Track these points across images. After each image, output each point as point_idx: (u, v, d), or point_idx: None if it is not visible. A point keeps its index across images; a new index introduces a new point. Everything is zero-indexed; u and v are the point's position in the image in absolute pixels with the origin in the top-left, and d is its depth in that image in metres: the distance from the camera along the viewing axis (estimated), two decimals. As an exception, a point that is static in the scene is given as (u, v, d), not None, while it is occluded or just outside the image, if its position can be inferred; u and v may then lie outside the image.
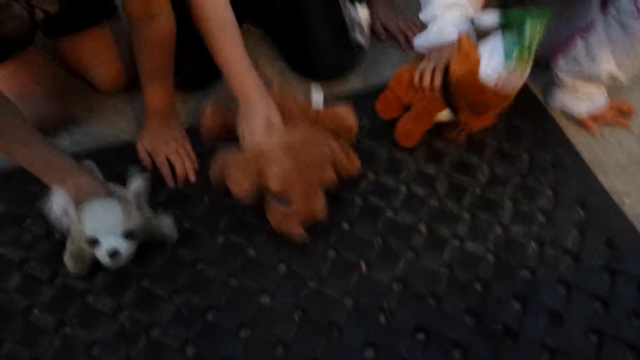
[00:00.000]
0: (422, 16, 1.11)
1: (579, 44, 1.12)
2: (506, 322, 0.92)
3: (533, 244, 1.02)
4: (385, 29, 1.43)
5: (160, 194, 1.08)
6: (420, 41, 1.10)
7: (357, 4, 1.30)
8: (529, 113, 1.25)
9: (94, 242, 0.87)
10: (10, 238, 1.02)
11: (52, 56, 1.29)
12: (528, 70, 0.92)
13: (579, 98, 1.22)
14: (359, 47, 1.24)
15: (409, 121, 1.13)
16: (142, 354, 0.88)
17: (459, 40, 0.96)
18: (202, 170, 1.11)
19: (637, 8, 0.99)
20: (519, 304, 0.94)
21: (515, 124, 1.22)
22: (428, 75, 1.03)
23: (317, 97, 1.04)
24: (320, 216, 0.99)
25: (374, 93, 1.27)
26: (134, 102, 1.27)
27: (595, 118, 1.24)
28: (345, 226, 1.04)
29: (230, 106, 1.06)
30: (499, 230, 1.05)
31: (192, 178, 1.11)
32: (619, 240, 1.02)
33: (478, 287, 0.97)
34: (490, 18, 0.94)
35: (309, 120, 1.05)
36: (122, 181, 1.08)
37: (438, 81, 1.02)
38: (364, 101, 1.21)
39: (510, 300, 0.95)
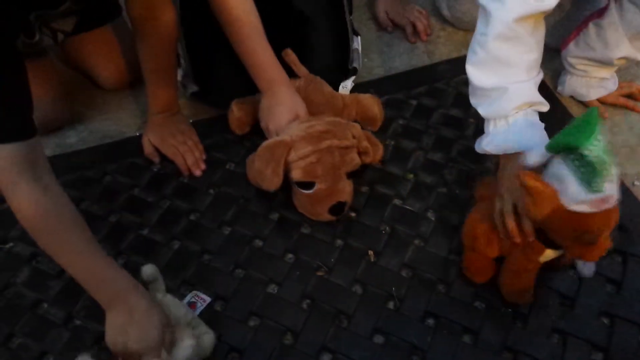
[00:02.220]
0: (482, 111, 0.91)
1: (591, 29, 1.11)
2: (516, 307, 0.90)
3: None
4: (392, 21, 1.42)
5: (167, 187, 1.09)
6: (485, 145, 0.92)
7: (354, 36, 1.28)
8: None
9: None
10: (19, 234, 1.02)
11: (57, 55, 1.30)
12: (616, 176, 0.73)
13: (590, 83, 1.21)
14: (354, 69, 1.24)
15: (513, 277, 0.90)
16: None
17: (523, 181, 0.75)
18: (208, 163, 1.12)
19: None
20: (529, 288, 0.93)
21: (523, 110, 1.21)
22: (512, 224, 0.83)
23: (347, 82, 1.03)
24: (346, 200, 0.99)
25: (379, 84, 1.27)
26: (138, 99, 1.28)
27: (605, 102, 1.23)
28: (353, 215, 1.04)
29: (257, 98, 1.07)
30: (507, 216, 1.03)
31: (202, 166, 1.11)
32: (630, 223, 1.00)
33: (487, 272, 0.95)
34: (537, 156, 0.80)
35: (334, 111, 1.06)
36: (133, 174, 1.10)
37: (528, 227, 0.81)
38: (370, 92, 1.21)
39: (520, 285, 0.93)
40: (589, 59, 1.15)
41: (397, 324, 0.90)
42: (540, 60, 0.90)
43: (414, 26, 1.39)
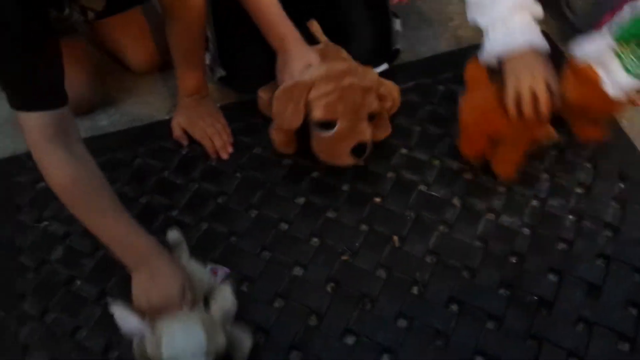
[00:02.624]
0: (483, 22, 0.98)
1: (626, 10, 1.08)
2: (541, 294, 0.90)
3: (571, 218, 1.00)
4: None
5: (195, 170, 1.10)
6: (487, 52, 0.97)
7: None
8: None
9: None
10: (54, 213, 1.05)
11: (89, 38, 1.33)
12: None
13: None
14: (397, 50, 1.23)
15: (509, 154, 0.99)
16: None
17: (571, 62, 0.89)
18: (235, 146, 1.13)
19: None
20: (555, 276, 0.93)
21: (553, 97, 1.19)
22: (530, 104, 0.89)
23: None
24: (368, 142, 0.98)
25: (406, 68, 1.26)
26: (168, 82, 1.30)
27: (638, 90, 1.20)
28: (378, 200, 1.04)
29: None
30: (535, 203, 1.03)
31: (230, 149, 1.13)
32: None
33: (513, 259, 0.95)
34: (599, 44, 0.88)
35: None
36: (162, 157, 1.11)
37: (547, 107, 0.89)
38: (398, 74, 1.20)
39: (545, 273, 0.93)
40: (623, 44, 1.12)
41: (420, 309, 0.90)
42: None
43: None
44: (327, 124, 0.96)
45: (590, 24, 1.20)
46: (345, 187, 1.06)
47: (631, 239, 0.96)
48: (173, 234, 0.92)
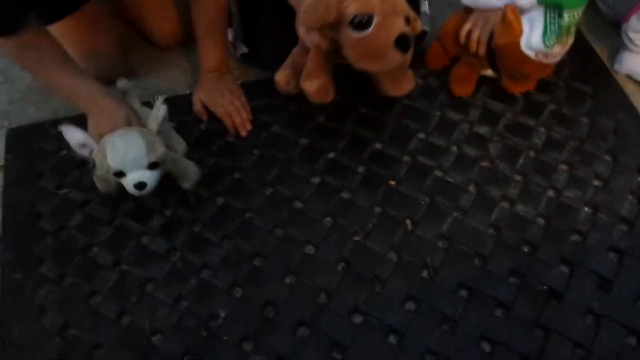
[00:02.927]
0: None
1: None
2: (552, 284, 0.90)
3: (586, 209, 1.00)
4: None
5: (213, 145, 1.12)
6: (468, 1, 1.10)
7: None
8: (592, 76, 1.20)
9: (119, 174, 0.90)
10: (73, 181, 1.07)
11: (113, 11, 1.34)
12: (567, 46, 1.01)
13: None
14: (424, 32, 1.22)
15: (460, 69, 1.16)
16: (192, 292, 0.93)
17: (505, 11, 0.99)
18: (254, 124, 1.14)
19: None
20: (567, 267, 0.93)
21: (577, 87, 1.18)
22: (474, 42, 1.07)
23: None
24: (409, 34, 0.93)
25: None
26: (190, 57, 1.31)
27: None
28: (392, 183, 1.04)
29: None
30: (551, 194, 1.02)
31: (249, 126, 1.13)
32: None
33: (525, 249, 0.95)
34: (527, 1, 0.98)
35: None
36: (182, 131, 1.13)
37: (482, 49, 1.07)
38: (416, 61, 1.19)
39: (557, 263, 0.93)
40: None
41: (429, 293, 0.91)
42: None
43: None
44: (364, 24, 0.91)
45: (619, 13, 1.18)
46: (360, 169, 1.07)
47: (646, 235, 0.96)
48: (122, 82, 1.04)
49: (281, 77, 1.12)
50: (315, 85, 1.06)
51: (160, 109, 0.93)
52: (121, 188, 0.94)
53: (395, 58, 0.93)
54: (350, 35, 0.93)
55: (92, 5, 1.24)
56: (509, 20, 0.99)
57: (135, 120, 0.95)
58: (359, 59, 0.95)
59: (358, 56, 0.95)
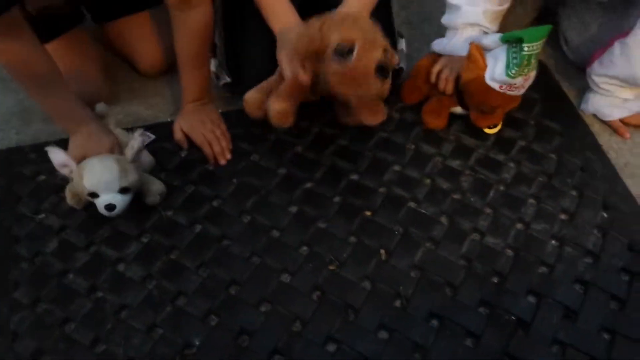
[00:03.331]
0: (444, 20, 1.19)
1: (616, 47, 1.13)
2: (519, 314, 0.93)
3: (553, 242, 1.03)
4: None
5: (193, 172, 1.13)
6: (437, 46, 1.20)
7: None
8: (561, 115, 1.25)
9: (93, 195, 0.98)
10: (51, 206, 1.08)
11: (99, 40, 1.37)
12: (530, 79, 1.07)
13: (614, 103, 1.22)
14: (401, 68, 1.27)
15: (432, 104, 1.22)
16: (167, 320, 0.93)
17: (470, 48, 1.07)
18: (233, 152, 1.16)
19: None
20: (534, 298, 0.96)
21: (546, 125, 1.23)
22: (443, 81, 1.16)
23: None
24: (388, 63, 1.00)
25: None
26: (173, 86, 1.33)
27: (629, 124, 1.24)
28: (368, 214, 1.07)
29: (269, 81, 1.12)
30: (520, 226, 1.06)
31: (228, 155, 1.15)
32: (645, 246, 1.02)
33: (495, 279, 0.98)
34: (492, 38, 1.05)
35: None
36: (162, 158, 1.14)
37: (450, 88, 1.15)
38: (393, 96, 1.23)
39: (525, 294, 0.96)
40: (613, 78, 1.16)
41: (402, 322, 0.93)
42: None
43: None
44: (346, 52, 0.97)
45: (583, 58, 1.25)
46: (337, 199, 1.09)
47: (610, 267, 0.99)
48: (100, 106, 1.10)
49: (251, 98, 1.14)
50: (280, 107, 1.09)
51: (136, 140, 1.00)
52: (89, 205, 1.03)
53: (376, 84, 1.00)
54: (333, 63, 0.98)
55: (78, 30, 1.27)
56: (474, 56, 1.06)
57: (117, 150, 1.02)
58: (341, 86, 1.00)
59: (340, 83, 1.00)
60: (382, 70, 0.99)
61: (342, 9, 1.10)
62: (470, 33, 1.15)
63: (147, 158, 1.11)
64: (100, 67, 1.29)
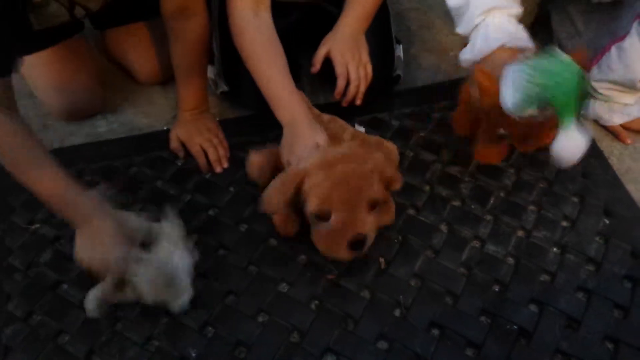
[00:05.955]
0: (461, 30, 1.05)
1: (613, 51, 1.12)
2: (521, 324, 0.91)
3: (555, 250, 1.02)
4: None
5: (189, 182, 1.12)
6: (466, 55, 1.04)
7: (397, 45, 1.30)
8: (560, 121, 1.24)
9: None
10: (45, 217, 1.07)
11: (98, 46, 1.36)
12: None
13: (613, 108, 1.21)
14: (398, 76, 1.26)
15: (483, 136, 1.08)
16: (164, 332, 0.91)
17: (475, 76, 0.96)
18: (231, 161, 1.15)
19: None
20: (536, 306, 0.94)
21: (545, 131, 1.22)
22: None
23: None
24: (367, 233, 0.92)
25: (404, 95, 1.29)
26: (169, 94, 1.32)
27: (630, 129, 1.23)
28: (367, 222, 1.06)
29: (274, 148, 1.03)
30: (521, 234, 1.04)
31: (225, 165, 1.14)
32: (648, 253, 1.01)
33: (496, 288, 0.97)
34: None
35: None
36: (158, 167, 1.13)
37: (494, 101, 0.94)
38: (391, 102, 1.23)
39: (527, 303, 0.94)
40: (612, 82, 1.15)
41: (402, 332, 0.91)
42: None
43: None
44: (322, 214, 0.91)
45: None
46: (335, 207, 1.08)
47: (613, 275, 0.98)
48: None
49: (255, 158, 1.06)
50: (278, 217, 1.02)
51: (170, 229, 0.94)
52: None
53: (348, 256, 0.94)
54: (312, 222, 0.94)
55: (76, 38, 1.26)
56: (480, 81, 0.95)
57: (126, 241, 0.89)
58: (316, 243, 0.95)
59: (316, 241, 0.95)
60: (356, 244, 0.92)
61: (337, 31, 1.09)
62: (497, 19, 0.99)
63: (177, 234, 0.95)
64: (95, 76, 1.28)
